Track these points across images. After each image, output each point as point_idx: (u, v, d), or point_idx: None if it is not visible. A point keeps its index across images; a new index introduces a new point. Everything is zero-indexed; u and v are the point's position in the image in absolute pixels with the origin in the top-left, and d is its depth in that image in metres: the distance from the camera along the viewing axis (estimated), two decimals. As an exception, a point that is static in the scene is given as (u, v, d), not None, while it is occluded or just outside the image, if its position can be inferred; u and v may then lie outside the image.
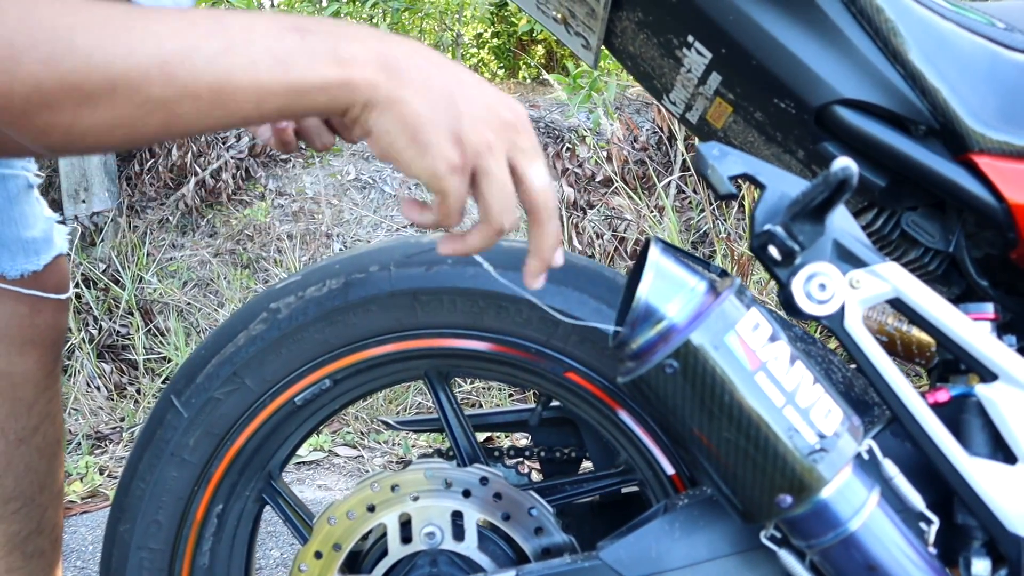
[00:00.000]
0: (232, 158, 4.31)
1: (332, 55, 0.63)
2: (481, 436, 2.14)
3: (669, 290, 0.73)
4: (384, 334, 0.96)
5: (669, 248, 0.77)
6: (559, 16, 1.15)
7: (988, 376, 0.82)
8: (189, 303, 3.72)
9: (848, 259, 0.81)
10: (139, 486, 0.98)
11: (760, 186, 0.81)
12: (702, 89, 1.08)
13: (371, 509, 0.95)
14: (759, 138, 1.08)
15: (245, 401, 0.97)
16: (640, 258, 0.78)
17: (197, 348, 1.02)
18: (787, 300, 0.80)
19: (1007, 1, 1.14)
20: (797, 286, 0.79)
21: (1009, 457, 0.81)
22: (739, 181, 0.81)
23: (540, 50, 5.94)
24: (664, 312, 0.72)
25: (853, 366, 0.91)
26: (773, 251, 0.77)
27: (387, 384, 1.04)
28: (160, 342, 3.30)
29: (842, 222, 0.82)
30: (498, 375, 1.02)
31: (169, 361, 3.17)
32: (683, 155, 3.59)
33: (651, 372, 0.71)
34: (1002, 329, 0.93)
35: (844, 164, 0.66)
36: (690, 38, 0.98)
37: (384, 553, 0.95)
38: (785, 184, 0.80)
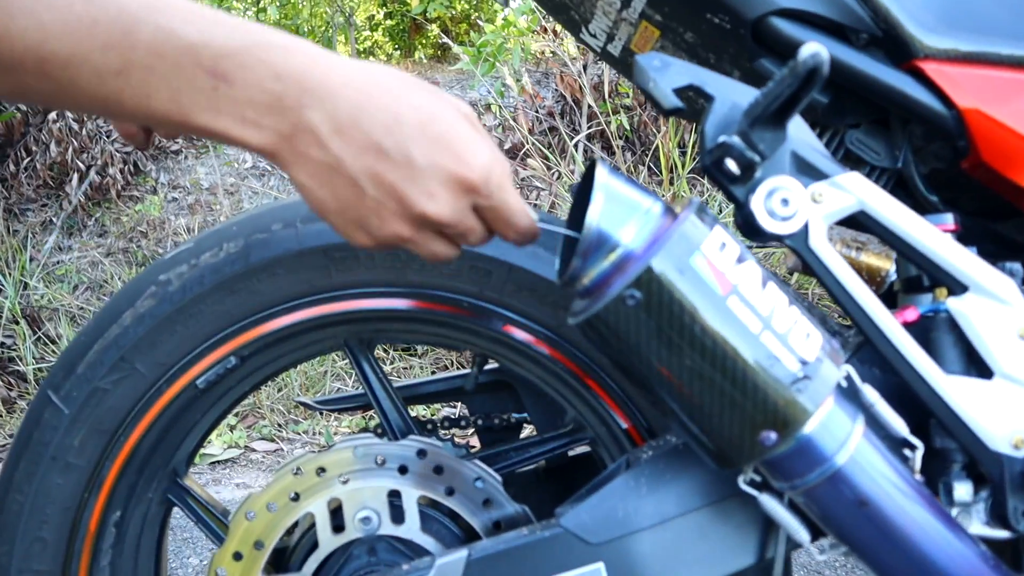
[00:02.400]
0: (118, 151, 4.05)
1: (238, 116, 0.57)
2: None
3: (622, 214, 0.64)
4: (294, 300, 0.85)
5: (617, 170, 0.68)
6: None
7: (958, 288, 0.76)
8: (82, 307, 3.48)
9: (809, 172, 0.73)
10: (16, 500, 0.84)
11: (708, 97, 0.73)
12: (625, 13, 1.00)
13: (295, 498, 0.83)
14: (690, 61, 1.01)
15: (137, 389, 0.84)
16: (582, 187, 0.69)
17: (76, 335, 0.88)
18: (747, 220, 0.72)
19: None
20: (757, 203, 0.71)
21: (984, 372, 0.76)
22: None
23: (435, 29, 5.83)
24: (618, 238, 0.63)
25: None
26: (730, 165, 0.69)
27: (303, 358, 0.92)
28: (51, 350, 3.07)
29: (800, 132, 0.74)
30: (428, 337, 0.91)
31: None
32: (591, 119, 3.53)
33: (608, 307, 0.62)
34: (962, 243, 0.88)
35: (814, 50, 0.58)
36: (613, -53, 0.89)
37: (314, 546, 0.84)
38: (735, 93, 0.72)
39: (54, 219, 3.98)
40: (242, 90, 0.56)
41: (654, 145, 3.41)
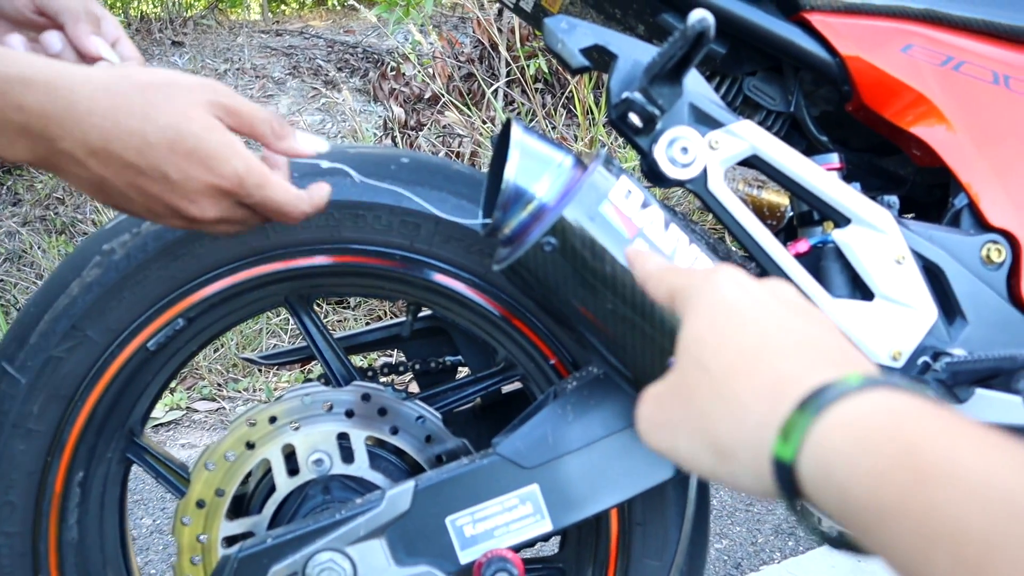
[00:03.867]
0: (25, 116, 3.91)
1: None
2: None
3: (536, 168, 0.70)
4: (236, 261, 0.89)
5: (531, 128, 0.74)
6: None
7: (842, 221, 0.85)
8: (2, 279, 3.40)
9: (705, 121, 0.81)
10: (-19, 467, 0.88)
11: (612, 56, 0.79)
12: (536, -30, 1.05)
13: (251, 446, 0.89)
14: (598, 18, 1.06)
15: (91, 355, 0.88)
16: (501, 141, 0.75)
17: (24, 307, 0.91)
18: (651, 168, 0.79)
19: None
20: (660, 152, 0.78)
21: (867, 294, 0.85)
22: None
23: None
24: (534, 191, 0.70)
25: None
26: (633, 119, 0.76)
27: (246, 316, 0.97)
28: (-26, 324, 3.00)
29: (696, 86, 0.81)
30: (364, 289, 0.97)
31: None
32: (508, 64, 3.55)
33: (528, 254, 0.69)
34: (845, 179, 0.97)
35: (700, 16, 0.65)
36: (519, -89, 0.94)
37: (272, 489, 0.90)
38: (637, 51, 0.79)
39: (-39, 190, 3.85)
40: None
41: (568, 89, 3.46)
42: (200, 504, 0.89)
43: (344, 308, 2.84)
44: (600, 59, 0.85)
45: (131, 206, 0.66)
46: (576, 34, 0.79)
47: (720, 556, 1.65)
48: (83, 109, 0.60)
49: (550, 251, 0.69)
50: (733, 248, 1.02)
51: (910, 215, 1.09)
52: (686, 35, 0.66)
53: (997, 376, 0.79)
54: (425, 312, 1.07)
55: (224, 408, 2.39)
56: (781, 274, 0.83)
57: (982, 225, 0.90)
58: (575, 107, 3.44)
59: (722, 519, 1.78)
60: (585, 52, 0.80)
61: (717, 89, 1.02)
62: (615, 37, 0.80)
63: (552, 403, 0.84)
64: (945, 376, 0.81)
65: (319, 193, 0.72)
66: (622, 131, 0.79)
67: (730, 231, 0.83)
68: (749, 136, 0.81)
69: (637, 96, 0.74)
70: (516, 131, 0.71)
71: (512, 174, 0.70)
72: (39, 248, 3.50)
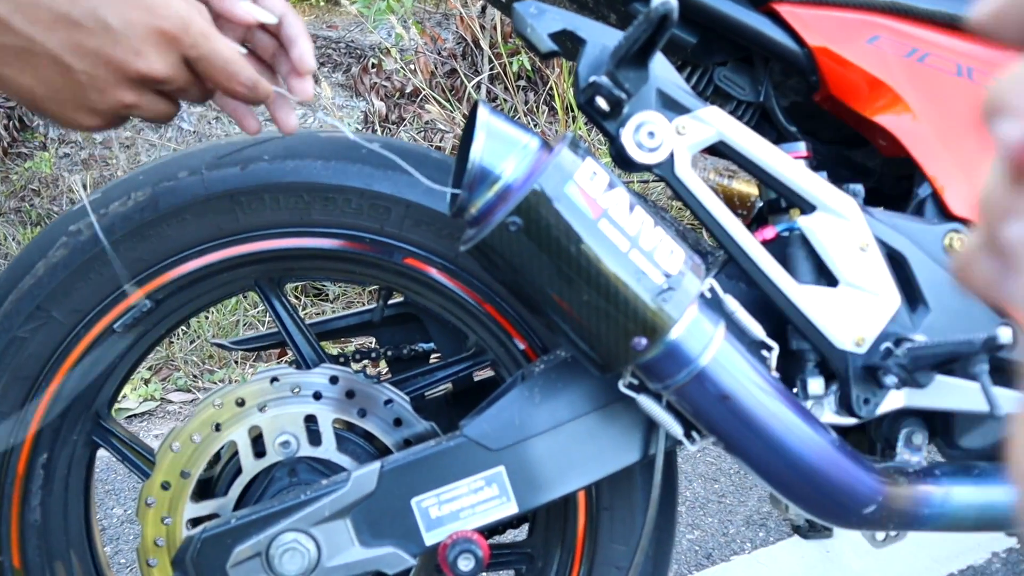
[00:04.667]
0: (0, 107, 3.88)
1: None
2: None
3: (502, 149, 0.71)
4: (204, 243, 0.89)
5: (497, 111, 0.74)
6: None
7: (808, 208, 0.86)
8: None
9: (673, 107, 0.81)
10: (-57, 447, 0.87)
11: (580, 41, 0.80)
12: (508, -41, 1.05)
13: (217, 428, 0.89)
14: (571, 7, 1.07)
15: (55, 336, 0.88)
16: (469, 124, 0.75)
17: (-13, 289, 0.90)
18: (619, 152, 0.80)
19: None
20: (627, 136, 0.79)
21: (831, 281, 0.86)
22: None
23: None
24: (499, 171, 0.70)
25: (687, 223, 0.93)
26: (601, 103, 0.77)
27: (215, 299, 0.97)
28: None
29: (664, 72, 0.82)
30: (334, 273, 0.97)
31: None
32: (491, 60, 3.56)
33: (494, 233, 0.69)
34: (813, 169, 0.98)
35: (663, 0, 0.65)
36: (491, -103, 0.94)
37: (238, 472, 0.90)
38: (605, 36, 0.80)
39: (-65, 181, 3.81)
40: None
41: (549, 86, 3.47)
42: (165, 486, 0.89)
43: (322, 300, 2.84)
44: (569, 46, 0.86)
45: (66, 83, 0.59)
46: (545, 19, 0.80)
47: (692, 546, 1.67)
48: None
49: (515, 231, 0.69)
50: (702, 236, 1.03)
51: (879, 207, 1.11)
52: (649, 18, 0.67)
53: (956, 361, 0.80)
54: (396, 299, 1.08)
55: (199, 399, 2.38)
56: (745, 258, 0.84)
57: (945, 214, 0.91)
58: (556, 104, 3.45)
59: (694, 510, 1.79)
60: (554, 38, 0.81)
61: (688, 78, 1.03)
62: (584, 22, 0.80)
63: (519, 386, 0.85)
64: (906, 362, 0.82)
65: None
66: (590, 116, 0.80)
67: (697, 216, 0.84)
68: (716, 122, 0.82)
69: (604, 80, 0.75)
70: (482, 112, 0.72)
71: (478, 154, 0.70)
72: (14, 240, 3.47)
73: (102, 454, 0.99)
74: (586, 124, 3.26)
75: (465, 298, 0.93)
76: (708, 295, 0.80)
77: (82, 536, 0.97)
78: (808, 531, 1.58)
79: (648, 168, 0.81)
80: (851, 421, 0.90)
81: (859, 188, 0.90)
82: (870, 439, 0.98)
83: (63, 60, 0.58)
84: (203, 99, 0.67)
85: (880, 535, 0.96)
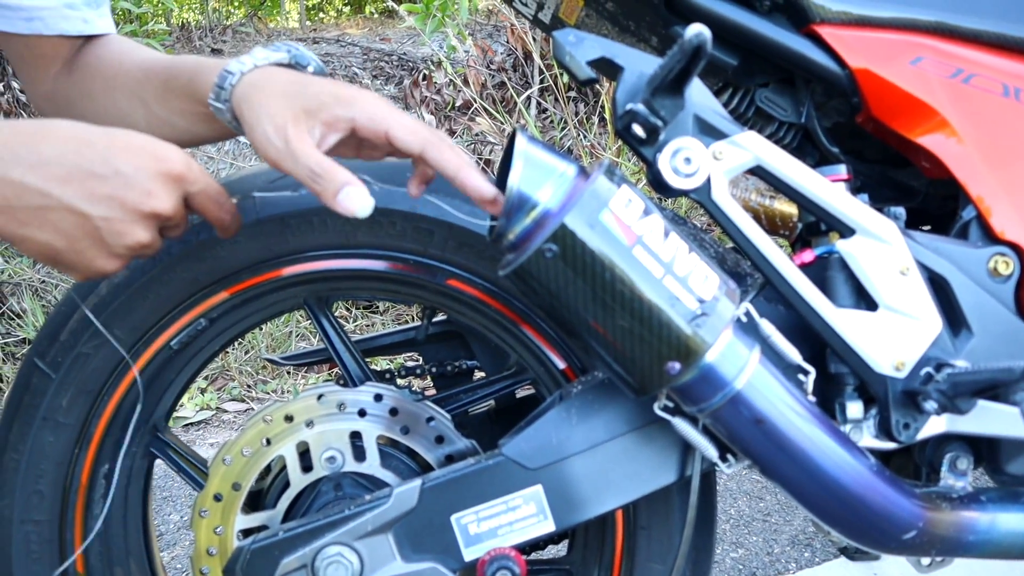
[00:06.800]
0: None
1: None
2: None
3: (539, 177, 0.72)
4: (256, 264, 0.93)
5: (535, 138, 0.76)
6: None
7: (847, 232, 0.86)
8: (44, 280, 3.49)
9: (709, 132, 0.82)
10: (12, 458, 0.92)
11: (618, 68, 0.81)
12: (552, -17, 1.08)
13: (267, 443, 0.92)
14: (613, 30, 1.09)
15: (117, 353, 0.92)
16: (507, 151, 0.78)
17: (56, 306, 0.95)
18: (656, 178, 0.81)
19: None
20: (664, 162, 0.80)
21: (871, 305, 0.86)
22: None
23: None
24: (537, 198, 0.72)
25: (728, 245, 0.94)
26: (637, 130, 0.78)
27: (266, 317, 1.00)
28: (17, 324, 3.10)
29: (701, 97, 0.83)
30: (379, 293, 1.00)
31: (30, 343, 2.98)
32: (542, 72, 3.58)
33: (531, 259, 0.71)
34: (855, 190, 0.98)
35: (697, 30, 0.67)
36: (535, -73, 0.96)
37: (286, 485, 0.93)
38: (642, 63, 0.81)
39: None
40: None
41: (601, 98, 3.48)
42: (217, 497, 0.93)
43: (372, 313, 2.89)
44: (609, 72, 0.87)
45: (83, 230, 0.63)
46: (583, 47, 0.81)
47: (735, 565, 1.66)
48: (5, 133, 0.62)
49: (551, 257, 0.71)
50: (742, 258, 1.03)
51: (926, 227, 1.10)
52: (683, 48, 0.68)
53: (997, 387, 0.79)
54: (441, 317, 1.10)
55: (253, 409, 2.44)
56: (783, 282, 0.84)
57: (990, 237, 0.90)
58: (607, 116, 3.46)
59: (739, 528, 1.78)
60: (593, 64, 0.82)
61: (729, 100, 1.03)
62: (621, 50, 0.82)
63: (557, 406, 0.86)
64: (946, 387, 0.82)
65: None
66: (628, 142, 0.81)
67: (734, 241, 0.85)
68: (753, 147, 0.83)
69: (640, 108, 0.76)
70: (520, 141, 0.74)
71: (516, 181, 0.72)
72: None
73: (159, 463, 1.04)
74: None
75: (505, 318, 0.95)
76: (744, 319, 0.81)
77: (140, 543, 1.02)
78: (855, 553, 1.55)
79: (685, 193, 0.82)
80: (891, 446, 0.89)
81: (900, 211, 0.90)
82: (915, 463, 0.97)
83: (79, 209, 0.62)
84: (181, 235, 0.75)
85: (925, 560, 0.95)
